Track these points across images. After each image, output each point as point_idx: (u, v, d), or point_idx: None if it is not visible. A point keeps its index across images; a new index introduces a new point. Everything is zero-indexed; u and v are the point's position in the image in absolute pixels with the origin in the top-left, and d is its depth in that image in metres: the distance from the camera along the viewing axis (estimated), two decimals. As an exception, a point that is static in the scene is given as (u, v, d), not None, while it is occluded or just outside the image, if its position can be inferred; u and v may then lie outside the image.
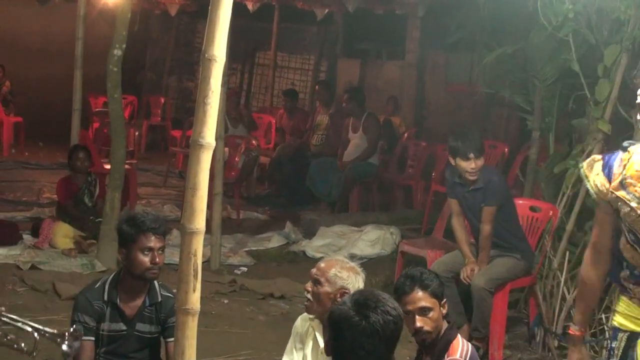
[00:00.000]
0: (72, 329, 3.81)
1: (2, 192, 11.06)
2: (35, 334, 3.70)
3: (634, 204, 3.53)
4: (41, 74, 16.60)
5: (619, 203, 3.58)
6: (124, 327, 4.65)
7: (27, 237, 9.03)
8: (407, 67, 14.78)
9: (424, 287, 4.29)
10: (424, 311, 4.26)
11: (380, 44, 15.60)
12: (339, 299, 4.31)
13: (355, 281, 4.43)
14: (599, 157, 3.75)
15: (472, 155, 6.49)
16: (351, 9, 12.94)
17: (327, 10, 14.11)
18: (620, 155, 3.64)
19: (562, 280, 6.66)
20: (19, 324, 3.73)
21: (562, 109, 7.39)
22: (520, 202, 7.13)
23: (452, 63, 14.25)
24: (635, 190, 3.52)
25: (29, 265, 8.18)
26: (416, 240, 8.41)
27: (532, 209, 7.14)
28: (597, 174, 3.70)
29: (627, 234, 3.62)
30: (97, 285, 4.71)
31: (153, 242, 4.60)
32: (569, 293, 6.63)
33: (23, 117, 14.97)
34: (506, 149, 10.88)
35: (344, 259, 4.64)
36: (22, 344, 3.69)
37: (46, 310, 6.94)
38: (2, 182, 11.54)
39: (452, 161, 6.67)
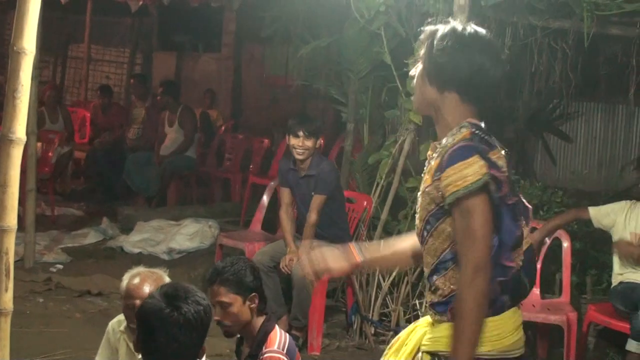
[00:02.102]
0: None
1: None
2: None
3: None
4: None
5: None
6: None
7: None
8: (223, 60, 14.79)
9: (222, 283, 4.20)
10: (222, 305, 4.23)
11: (196, 37, 15.55)
12: None
13: None
14: None
15: (301, 133, 6.66)
16: (166, 1, 12.82)
17: (141, 2, 13.92)
18: None
19: (377, 268, 6.84)
20: None
21: (376, 101, 7.57)
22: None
23: (269, 56, 14.34)
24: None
25: None
26: (234, 233, 8.44)
27: (349, 200, 7.29)
28: None
29: None
30: None
31: None
32: (384, 281, 6.81)
33: None
34: (322, 141, 11.03)
35: (145, 270, 4.40)
36: None
37: None
38: None
39: (287, 140, 6.84)
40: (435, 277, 3.16)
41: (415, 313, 6.71)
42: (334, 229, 6.81)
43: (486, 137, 3.10)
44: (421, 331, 3.29)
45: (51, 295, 7.56)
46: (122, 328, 4.50)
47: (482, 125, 3.14)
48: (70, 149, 11.63)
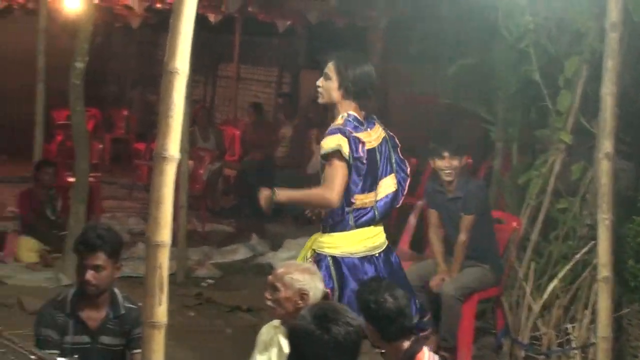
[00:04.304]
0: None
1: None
2: (34, 357, 3.69)
3: None
4: (2, 86, 16.44)
5: None
6: (88, 340, 4.62)
7: (-10, 251, 8.97)
8: (370, 79, 14.78)
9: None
10: None
11: (342, 56, 15.59)
12: (299, 302, 4.36)
13: (311, 281, 4.49)
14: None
15: (446, 154, 6.55)
16: (313, 21, 12.96)
17: (288, 23, 14.12)
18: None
19: (528, 290, 6.68)
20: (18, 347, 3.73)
21: (525, 120, 7.44)
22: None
23: (416, 74, 14.29)
24: None
25: (-6, 279, 8.15)
26: (382, 252, 8.40)
27: (497, 220, 7.17)
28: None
29: None
30: (59, 299, 4.69)
31: (84, 259, 4.59)
32: (534, 303, 6.65)
33: (-16, 130, 14.83)
34: (469, 160, 10.91)
35: (298, 262, 4.86)
36: None
37: (12, 324, 6.86)
38: (-36, 196, 11.40)
39: (431, 164, 6.74)
40: None
41: (567, 337, 6.54)
42: (483, 249, 6.72)
43: (354, 122, 5.05)
44: (314, 237, 5.23)
45: (202, 310, 7.70)
46: (275, 323, 4.60)
47: (357, 114, 5.11)
48: (220, 166, 11.86)
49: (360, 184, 5.05)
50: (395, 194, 5.28)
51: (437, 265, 6.70)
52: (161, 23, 15.13)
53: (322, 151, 4.99)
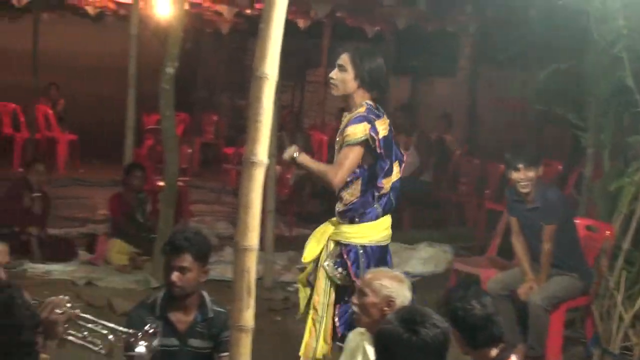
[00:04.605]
0: (148, 327, 3.91)
1: (57, 208, 11.11)
2: (111, 336, 3.76)
3: None
4: (95, 92, 16.75)
5: None
6: (176, 343, 4.67)
7: (82, 254, 9.15)
8: (458, 84, 14.71)
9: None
10: None
11: (431, 61, 15.54)
12: (385, 309, 4.34)
13: (399, 289, 4.46)
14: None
15: (520, 165, 6.48)
16: (401, 26, 12.93)
17: (377, 28, 14.10)
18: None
19: (619, 300, 6.56)
20: (92, 326, 3.81)
21: (617, 126, 7.32)
22: (577, 222, 7.04)
23: (505, 80, 14.15)
24: None
25: (85, 281, 8.28)
26: (470, 259, 8.36)
27: (589, 228, 7.06)
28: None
29: None
30: (149, 301, 4.75)
31: (171, 261, 4.65)
32: (626, 313, 6.52)
33: (77, 134, 15.09)
34: (559, 167, 10.78)
35: (387, 269, 4.75)
36: (100, 345, 3.76)
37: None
38: (58, 199, 11.56)
39: (508, 175, 6.68)
40: (343, 191, 5.28)
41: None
42: (569, 257, 6.62)
43: (375, 111, 5.24)
44: (330, 228, 5.42)
45: (288, 314, 7.72)
46: (362, 330, 4.59)
47: (373, 104, 5.26)
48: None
49: (386, 168, 5.22)
50: (400, 181, 5.42)
51: (524, 274, 6.62)
52: (250, 29, 15.27)
53: (350, 139, 5.12)
